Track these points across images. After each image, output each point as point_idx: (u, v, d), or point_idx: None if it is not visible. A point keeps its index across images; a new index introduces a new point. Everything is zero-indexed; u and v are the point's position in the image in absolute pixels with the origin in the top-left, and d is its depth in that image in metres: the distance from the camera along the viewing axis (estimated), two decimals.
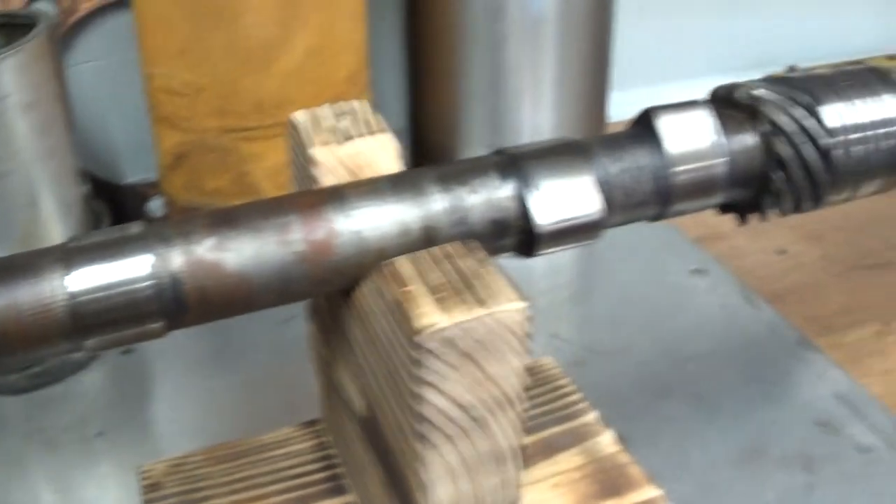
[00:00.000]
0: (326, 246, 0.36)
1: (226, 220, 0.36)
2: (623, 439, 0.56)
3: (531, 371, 0.55)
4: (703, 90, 0.49)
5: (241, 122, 0.64)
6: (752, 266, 0.83)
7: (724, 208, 0.49)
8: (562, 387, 0.55)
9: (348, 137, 0.42)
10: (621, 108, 0.74)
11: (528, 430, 0.51)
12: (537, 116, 0.74)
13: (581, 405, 0.53)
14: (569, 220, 0.39)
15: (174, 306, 0.35)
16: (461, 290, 0.33)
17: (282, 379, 0.65)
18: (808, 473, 0.61)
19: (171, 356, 0.68)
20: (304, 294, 0.37)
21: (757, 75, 0.53)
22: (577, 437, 0.51)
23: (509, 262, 0.81)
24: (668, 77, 0.91)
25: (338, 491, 0.48)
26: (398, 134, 0.87)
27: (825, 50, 1.28)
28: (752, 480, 0.60)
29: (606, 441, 0.51)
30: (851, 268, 0.85)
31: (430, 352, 0.32)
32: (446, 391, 0.34)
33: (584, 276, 0.82)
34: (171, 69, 0.63)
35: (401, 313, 0.33)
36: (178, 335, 0.38)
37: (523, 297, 0.33)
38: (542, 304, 0.75)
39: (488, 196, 0.38)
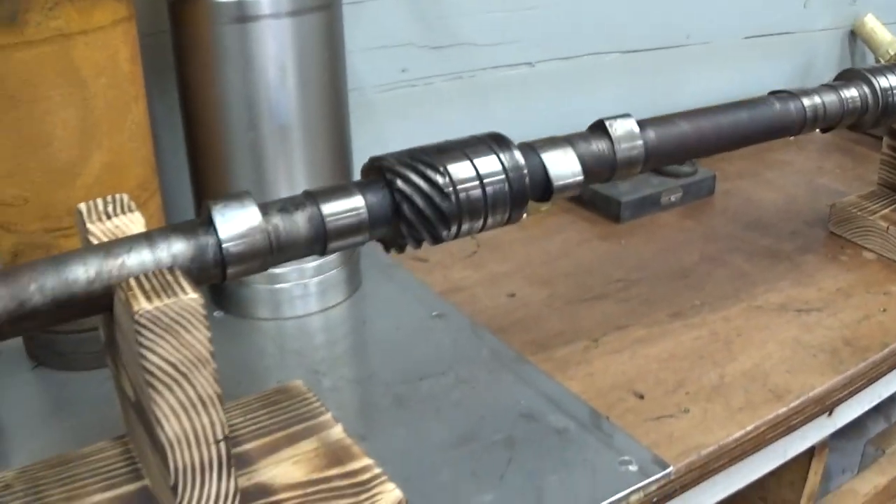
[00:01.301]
0: (100, 280, 0.55)
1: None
2: (361, 437, 0.71)
3: (285, 391, 0.71)
4: None
5: (58, 224, 0.78)
6: (484, 308, 0.97)
7: (385, 244, 0.68)
8: (307, 399, 0.69)
9: (111, 216, 0.60)
10: None
11: (279, 428, 0.66)
12: None
13: (320, 409, 0.68)
14: (246, 259, 0.59)
15: None
16: (161, 291, 0.52)
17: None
18: (509, 450, 0.74)
19: None
20: (86, 312, 0.56)
21: None
22: (314, 430, 0.66)
23: (296, 322, 0.92)
24: None
25: (136, 478, 0.63)
26: None
27: None
28: (462, 457, 0.73)
29: (337, 432, 0.66)
30: (571, 302, 0.98)
31: (143, 325, 0.51)
32: (158, 352, 0.52)
33: (351, 328, 0.96)
34: (3, 188, 0.77)
35: (128, 304, 0.51)
36: None
37: (197, 291, 0.52)
38: (317, 356, 0.89)
39: (195, 244, 0.58)
